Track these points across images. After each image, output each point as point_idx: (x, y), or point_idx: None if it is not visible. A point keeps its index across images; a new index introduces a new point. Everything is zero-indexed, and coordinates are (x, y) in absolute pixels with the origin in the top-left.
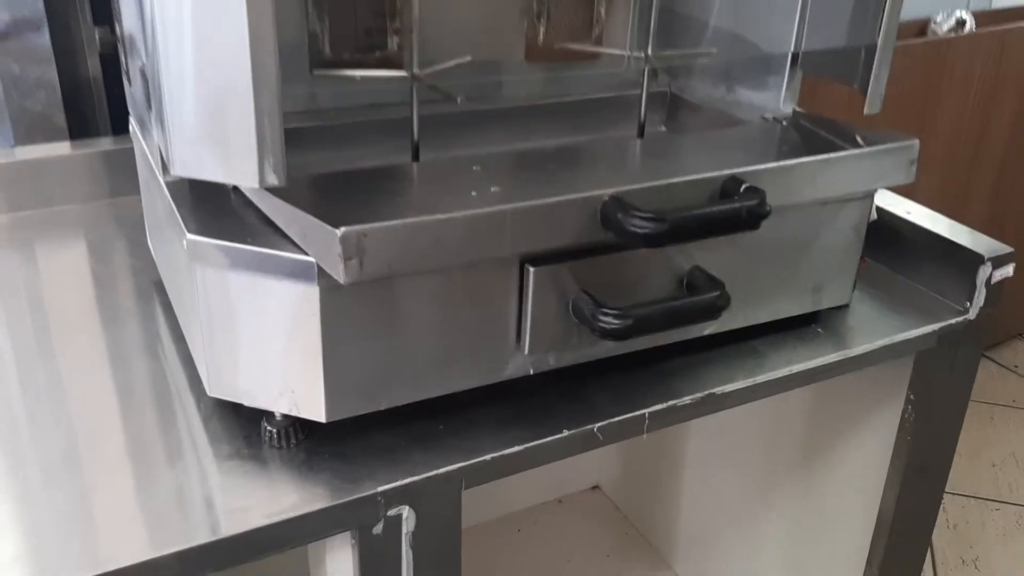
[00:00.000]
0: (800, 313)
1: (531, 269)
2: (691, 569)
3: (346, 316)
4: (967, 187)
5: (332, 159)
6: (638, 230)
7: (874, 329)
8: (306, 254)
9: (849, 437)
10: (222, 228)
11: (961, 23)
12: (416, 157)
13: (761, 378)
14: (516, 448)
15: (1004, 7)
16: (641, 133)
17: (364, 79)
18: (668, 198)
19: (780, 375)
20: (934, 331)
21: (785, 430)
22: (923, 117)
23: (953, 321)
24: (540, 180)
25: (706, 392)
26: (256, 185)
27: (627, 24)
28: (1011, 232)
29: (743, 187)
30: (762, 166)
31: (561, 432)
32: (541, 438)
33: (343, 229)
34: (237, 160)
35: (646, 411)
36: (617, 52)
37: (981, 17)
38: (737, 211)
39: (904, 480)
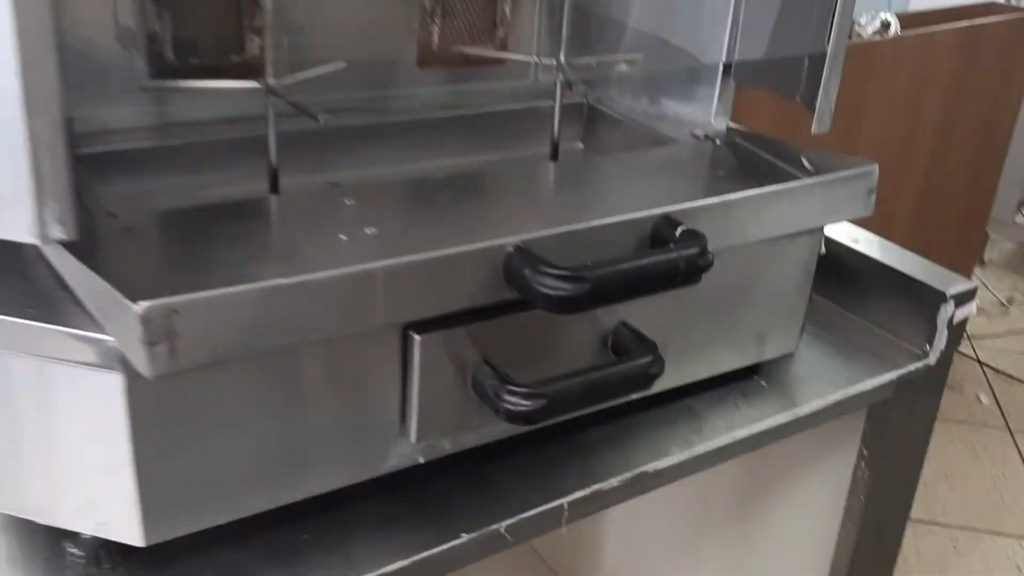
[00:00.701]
0: (741, 366)
1: (416, 337)
2: None
3: (165, 410)
4: (893, 194)
5: (176, 186)
6: (551, 292)
7: (824, 379)
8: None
9: (794, 495)
10: (1, 294)
11: (886, 26)
12: (275, 188)
13: (699, 449)
14: (400, 563)
15: (923, 9)
16: (555, 155)
17: (207, 92)
18: (588, 246)
19: (721, 443)
20: (891, 380)
21: (722, 483)
22: (848, 123)
23: (912, 368)
24: (429, 217)
25: (636, 471)
26: (34, 240)
27: (536, 26)
28: (936, 241)
29: (679, 230)
30: (701, 202)
31: (459, 537)
32: (433, 546)
33: (145, 304)
34: (9, 209)
35: (564, 501)
36: (524, 58)
37: (904, 19)
38: (673, 263)
39: (857, 545)
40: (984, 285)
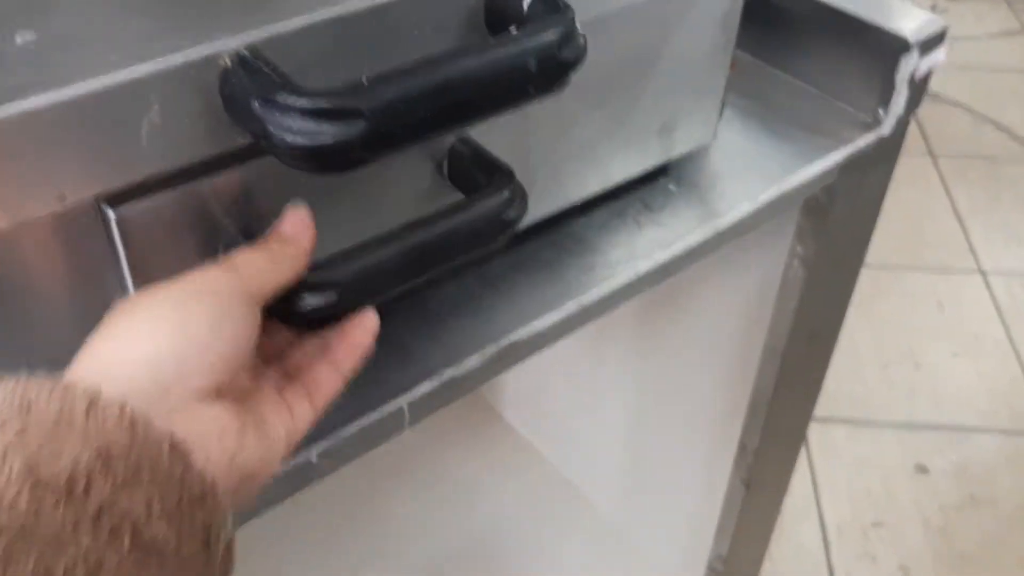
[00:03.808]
0: (642, 172)
1: (111, 213)
2: (521, 419)
3: None
4: None
5: None
6: (297, 139)
7: (752, 171)
8: None
9: (710, 306)
10: None
11: None
12: None
13: (591, 295)
14: None
15: None
16: None
17: None
18: (368, 42)
19: (619, 283)
20: (835, 164)
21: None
22: None
23: (861, 143)
24: (127, 6)
25: (504, 342)
26: None
27: None
28: None
29: (526, 1)
30: None
31: None
32: None
33: None
34: None
35: (403, 401)
36: None
37: None
38: (518, 62)
39: (787, 350)
40: None
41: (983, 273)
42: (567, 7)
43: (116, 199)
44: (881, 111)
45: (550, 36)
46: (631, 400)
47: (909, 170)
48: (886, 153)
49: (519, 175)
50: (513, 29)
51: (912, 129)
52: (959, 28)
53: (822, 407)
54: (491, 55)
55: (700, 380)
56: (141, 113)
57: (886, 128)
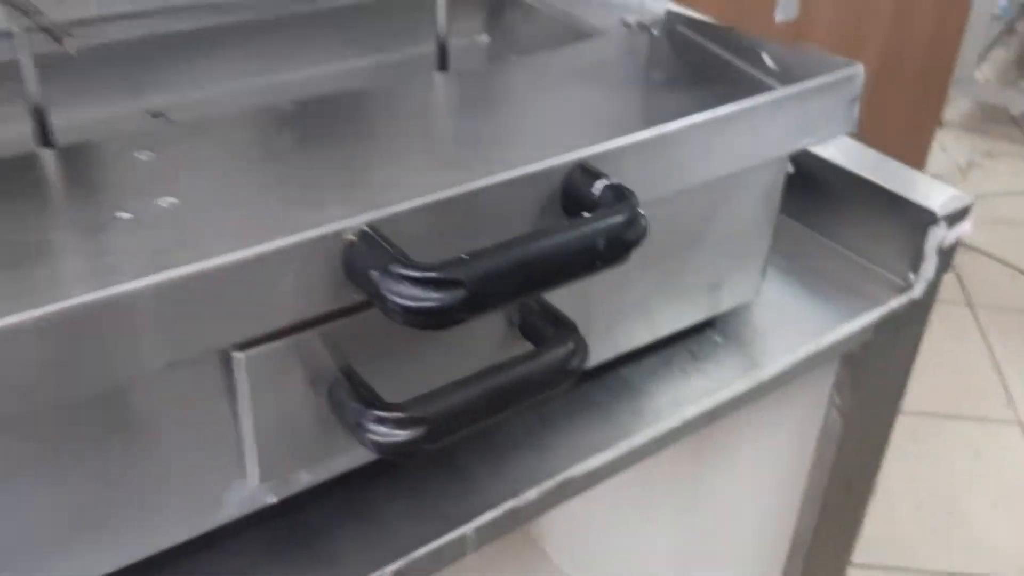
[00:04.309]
0: (690, 325)
1: (238, 357)
2: (564, 555)
3: None
4: (853, 50)
5: None
6: (409, 303)
7: (792, 326)
8: None
9: (754, 451)
10: None
11: None
12: (45, 138)
13: (639, 438)
14: None
15: None
16: (442, 62)
17: None
18: (467, 221)
19: (666, 428)
20: (870, 323)
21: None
22: None
23: (894, 304)
24: (255, 175)
25: (559, 478)
26: None
27: None
28: (896, 102)
29: (600, 186)
30: (628, 140)
31: None
32: None
33: None
34: None
35: (468, 528)
36: None
37: None
38: (589, 242)
39: (826, 497)
40: (942, 148)
41: (1022, 425)
42: (631, 194)
43: (242, 345)
44: (912, 275)
45: (617, 220)
46: (672, 541)
47: (948, 320)
48: (918, 313)
49: (579, 326)
50: (585, 213)
51: (951, 280)
52: (996, 184)
53: (860, 553)
54: (567, 236)
55: (741, 524)
56: (276, 277)
57: (917, 291)
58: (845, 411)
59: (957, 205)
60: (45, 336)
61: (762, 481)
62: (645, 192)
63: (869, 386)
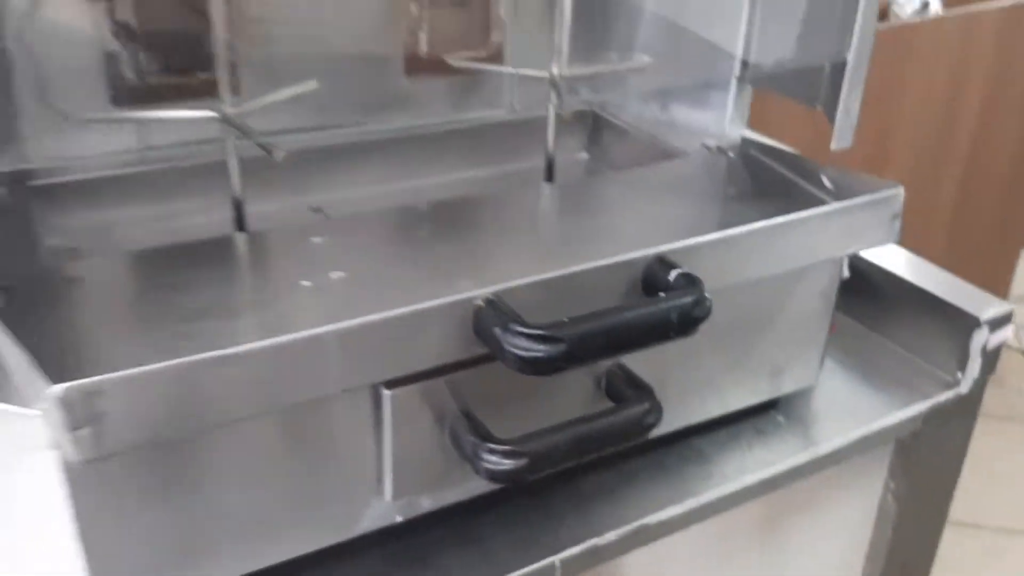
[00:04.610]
0: (754, 403)
1: (386, 393)
2: None
3: (109, 485)
4: (933, 182)
5: (140, 217)
6: (523, 353)
7: (848, 412)
8: None
9: (815, 528)
10: None
11: (925, 5)
12: (240, 224)
13: (706, 497)
14: None
15: None
16: (550, 175)
17: (163, 123)
18: (569, 296)
19: (732, 489)
20: (919, 413)
21: (739, 515)
22: (886, 108)
23: (943, 398)
24: (403, 257)
25: (636, 524)
26: None
27: (534, 27)
28: (978, 228)
29: (674, 274)
30: (699, 239)
31: None
32: None
33: (63, 386)
34: None
35: (556, 559)
36: (511, 71)
37: None
38: (664, 316)
39: None
40: None
41: None
42: (699, 281)
43: (390, 384)
44: (960, 373)
45: (687, 300)
46: None
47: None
48: (966, 407)
49: (655, 393)
50: (662, 294)
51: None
52: None
53: None
54: (647, 310)
55: None
56: (419, 332)
57: (964, 388)
58: (900, 496)
59: (998, 312)
60: (261, 362)
61: (823, 558)
62: (713, 281)
63: (922, 474)
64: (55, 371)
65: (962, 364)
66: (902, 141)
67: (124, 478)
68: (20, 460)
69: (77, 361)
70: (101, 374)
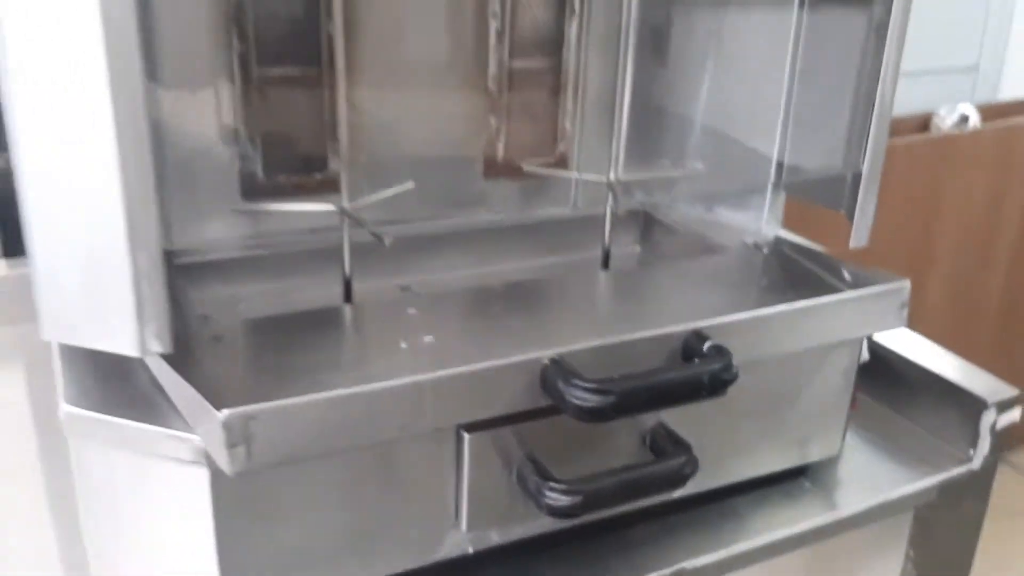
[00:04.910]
0: (783, 469)
1: (466, 436)
2: None
3: (245, 501)
4: (976, 290)
5: (264, 292)
6: (580, 403)
7: (869, 481)
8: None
9: None
10: (106, 395)
11: (965, 119)
12: (348, 297)
13: (739, 548)
14: None
15: (1010, 100)
16: (606, 263)
17: (288, 214)
18: (621, 358)
19: (762, 543)
20: (934, 484)
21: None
22: (927, 217)
23: (955, 472)
24: (482, 327)
25: (675, 567)
26: (136, 354)
27: (594, 139)
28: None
29: (707, 345)
30: (728, 318)
31: None
32: None
33: (226, 412)
34: (114, 325)
35: None
36: (574, 175)
37: (986, 111)
38: (697, 378)
39: None
40: None
41: None
42: (728, 352)
43: (469, 427)
44: (971, 450)
45: (717, 366)
46: None
47: None
48: (979, 482)
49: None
50: (696, 360)
51: None
52: None
53: None
54: (682, 373)
55: None
56: (496, 385)
57: (976, 464)
58: (919, 564)
59: (1005, 395)
60: (375, 401)
61: None
62: (742, 354)
63: (938, 544)
64: (217, 402)
65: (973, 442)
66: (945, 249)
67: (253, 496)
68: (170, 474)
69: (231, 398)
70: (254, 404)
